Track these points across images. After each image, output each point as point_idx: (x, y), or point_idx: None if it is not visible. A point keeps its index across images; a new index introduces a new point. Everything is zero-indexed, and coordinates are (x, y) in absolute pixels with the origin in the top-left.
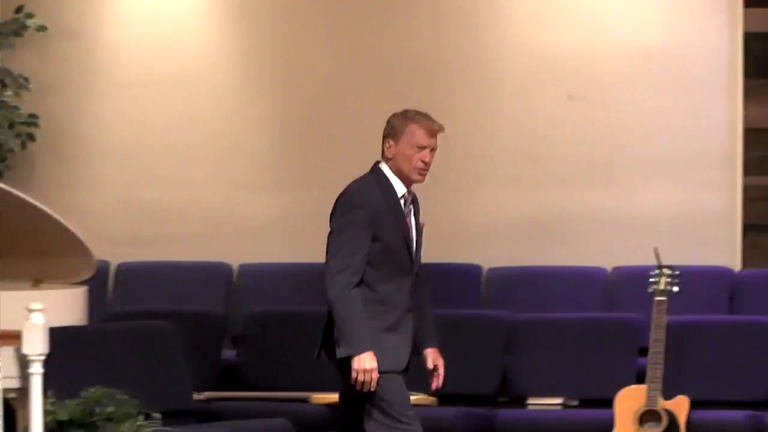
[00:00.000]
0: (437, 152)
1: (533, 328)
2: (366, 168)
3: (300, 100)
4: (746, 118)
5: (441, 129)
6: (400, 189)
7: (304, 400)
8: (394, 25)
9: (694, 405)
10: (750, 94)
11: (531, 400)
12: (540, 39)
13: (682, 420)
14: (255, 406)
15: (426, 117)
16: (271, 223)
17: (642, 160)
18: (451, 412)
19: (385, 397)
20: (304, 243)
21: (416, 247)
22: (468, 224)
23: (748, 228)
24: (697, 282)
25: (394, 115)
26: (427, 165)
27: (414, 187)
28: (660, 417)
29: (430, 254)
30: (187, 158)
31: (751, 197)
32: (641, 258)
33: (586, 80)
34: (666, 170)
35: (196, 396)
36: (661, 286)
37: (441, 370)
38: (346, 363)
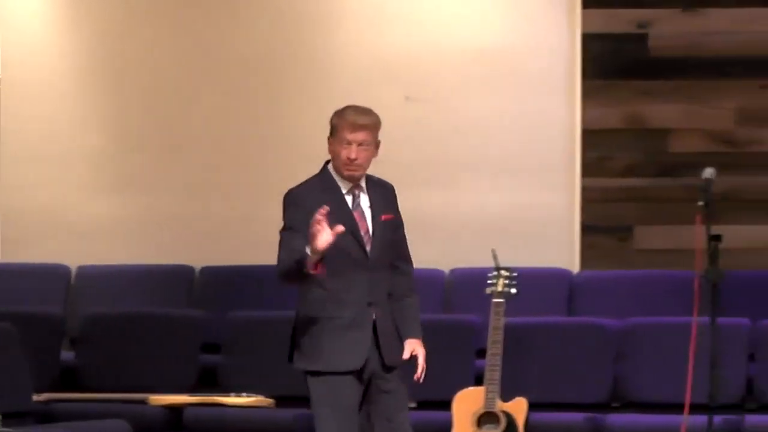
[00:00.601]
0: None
1: None
2: (203, 169)
3: (137, 101)
4: (584, 120)
5: (366, 122)
6: (344, 185)
7: (143, 402)
8: (232, 25)
9: (533, 407)
10: (588, 95)
11: None
12: (377, 39)
13: (520, 422)
14: (93, 407)
15: (354, 111)
16: (109, 225)
17: (480, 161)
18: (288, 414)
19: (321, 399)
20: (143, 244)
21: (377, 241)
22: None
23: (586, 229)
24: (535, 283)
25: (334, 113)
26: (351, 161)
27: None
28: (498, 419)
29: (259, 256)
30: (22, 160)
31: (588, 198)
32: (479, 260)
33: (424, 81)
34: (504, 171)
35: (35, 397)
36: (499, 288)
37: (420, 360)
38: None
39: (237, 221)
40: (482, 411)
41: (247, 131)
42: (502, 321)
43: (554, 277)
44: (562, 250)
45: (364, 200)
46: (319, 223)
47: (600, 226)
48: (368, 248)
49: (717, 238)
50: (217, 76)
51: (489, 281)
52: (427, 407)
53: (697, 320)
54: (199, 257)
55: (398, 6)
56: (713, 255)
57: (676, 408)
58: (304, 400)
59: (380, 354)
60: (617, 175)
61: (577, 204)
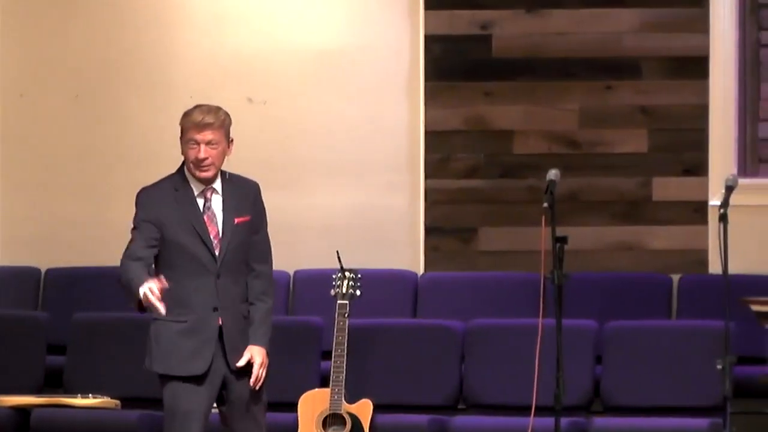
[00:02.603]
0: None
1: None
2: (49, 170)
3: None
4: (427, 121)
5: (210, 121)
6: (197, 187)
7: None
8: (72, 26)
9: (378, 408)
10: (430, 96)
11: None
12: (219, 41)
13: (365, 423)
14: None
15: (200, 111)
16: None
17: (323, 162)
18: (133, 415)
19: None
20: None
21: (227, 245)
22: None
23: (430, 231)
24: (379, 285)
25: (182, 115)
26: (199, 161)
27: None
28: (344, 420)
29: (104, 258)
30: None
31: (432, 200)
32: (323, 261)
33: (267, 83)
34: (347, 173)
35: None
36: (344, 290)
37: (255, 368)
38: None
39: (82, 222)
40: (328, 413)
41: (90, 132)
42: (347, 323)
43: (399, 279)
44: (406, 251)
45: (217, 202)
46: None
47: (444, 227)
48: (216, 252)
49: (562, 239)
50: (58, 76)
51: (333, 283)
52: (272, 409)
53: (542, 322)
54: (45, 259)
55: (240, 7)
56: (558, 256)
57: (522, 410)
58: (148, 401)
59: (226, 360)
60: (460, 177)
61: (420, 205)
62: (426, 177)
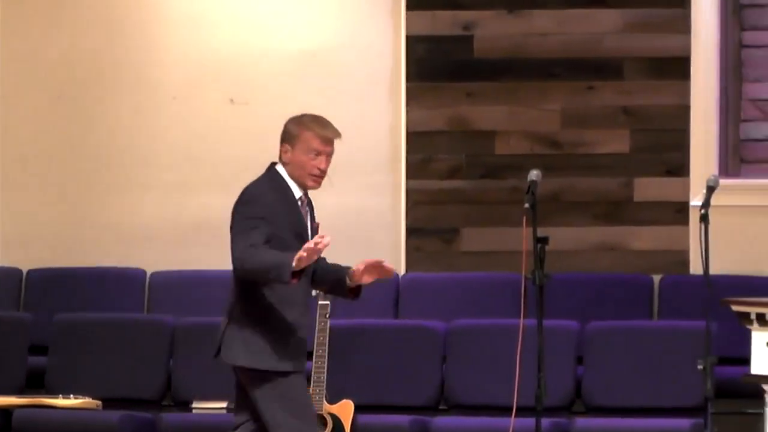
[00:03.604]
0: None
1: (198, 332)
2: (30, 170)
3: None
4: (408, 121)
5: (337, 136)
6: (296, 191)
7: None
8: (56, 26)
9: (359, 409)
10: (412, 97)
11: (195, 404)
12: (202, 42)
13: (346, 424)
14: None
15: (321, 125)
16: None
17: None
18: (114, 416)
19: (291, 395)
20: None
21: None
22: (131, 228)
23: (412, 231)
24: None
25: (291, 120)
26: (322, 171)
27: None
28: (325, 421)
29: (92, 258)
30: None
31: (414, 200)
32: None
33: (249, 83)
34: (330, 174)
35: None
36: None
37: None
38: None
39: (64, 223)
40: None
41: (72, 133)
42: (328, 323)
43: (380, 279)
44: (388, 252)
45: (307, 208)
46: (315, 245)
47: (425, 228)
48: None
49: (543, 240)
50: (40, 77)
51: None
52: None
53: (523, 322)
54: (26, 259)
55: (223, 9)
56: (539, 257)
57: (504, 410)
58: (129, 402)
59: None
60: (442, 177)
61: (402, 206)
62: (408, 177)
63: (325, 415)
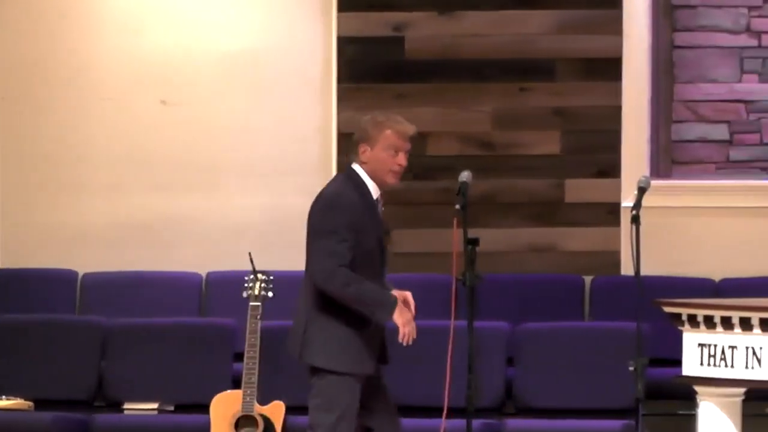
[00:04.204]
0: None
1: (130, 333)
2: None
3: None
4: (339, 123)
5: (413, 131)
6: (374, 192)
7: None
8: None
9: (290, 410)
10: (343, 98)
11: (127, 405)
12: (134, 43)
13: (278, 425)
14: None
15: (398, 122)
16: None
17: (236, 164)
18: (46, 417)
19: (338, 399)
20: None
21: (386, 247)
22: (64, 229)
23: None
24: (291, 287)
25: (366, 121)
26: (402, 168)
27: None
28: (256, 422)
29: (23, 259)
30: None
31: None
32: (236, 263)
33: (181, 84)
34: (260, 175)
35: None
36: (256, 292)
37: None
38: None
39: (2, 224)
40: (240, 414)
41: (9, 134)
42: (259, 324)
43: None
44: None
45: (381, 208)
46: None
47: None
48: (386, 256)
49: (474, 241)
50: None
51: (246, 285)
52: (184, 410)
53: (454, 324)
54: None
55: (155, 11)
56: (470, 258)
57: (434, 411)
58: (61, 403)
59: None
60: None
61: None
62: None
63: (256, 417)
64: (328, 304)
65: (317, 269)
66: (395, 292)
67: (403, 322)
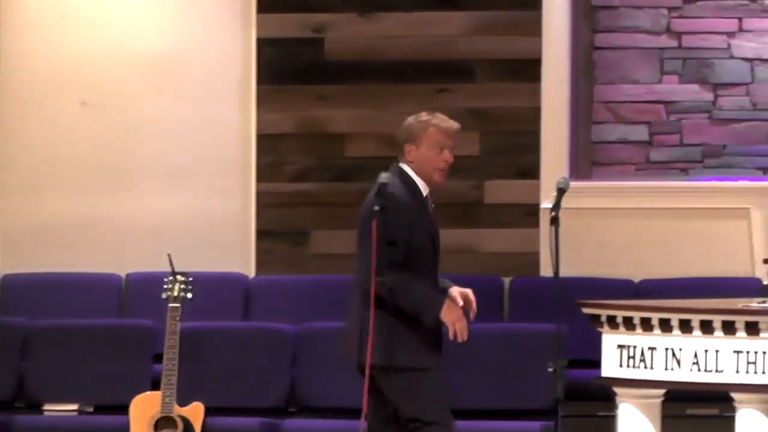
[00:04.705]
0: None
1: (50, 334)
2: None
3: None
4: (259, 124)
5: (458, 128)
6: (424, 190)
7: None
8: None
9: (209, 411)
10: (263, 99)
11: (47, 406)
12: (53, 44)
13: (197, 426)
14: None
15: (442, 119)
16: None
17: (156, 166)
18: None
19: (438, 392)
20: None
21: (438, 246)
22: None
23: (262, 234)
24: (211, 288)
25: (411, 121)
26: (448, 164)
27: None
28: (175, 423)
29: None
30: None
31: (264, 203)
32: (155, 264)
33: (101, 86)
34: (180, 176)
35: None
36: (175, 293)
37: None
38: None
39: None
40: (159, 415)
41: None
42: (178, 326)
43: (230, 282)
44: (238, 254)
45: (431, 205)
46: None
47: (276, 230)
48: (438, 253)
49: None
50: None
51: (165, 286)
52: (104, 411)
53: (374, 324)
54: None
55: (74, 12)
56: None
57: (354, 413)
58: None
59: None
60: (292, 180)
61: (252, 209)
62: (258, 180)
63: (175, 418)
64: (384, 305)
65: (368, 272)
66: (453, 290)
67: (452, 320)
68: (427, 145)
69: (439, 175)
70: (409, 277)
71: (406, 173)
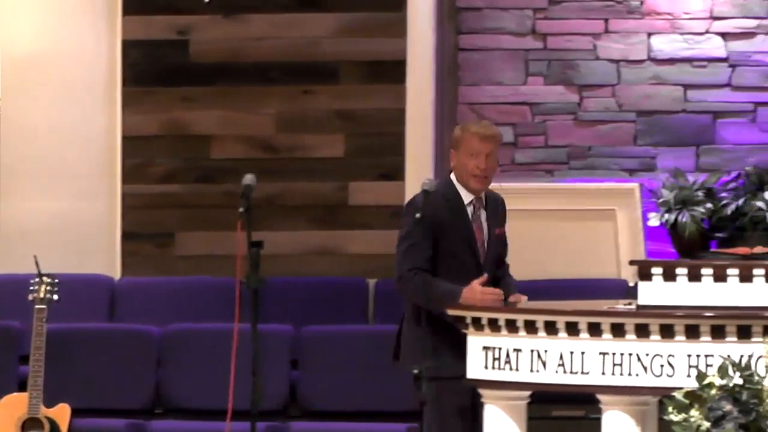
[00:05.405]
0: None
1: None
2: None
3: None
4: (124, 126)
5: (491, 132)
6: (466, 196)
7: None
8: None
9: (76, 413)
10: (128, 101)
11: None
12: None
13: (63, 427)
14: None
15: (481, 125)
16: None
17: (22, 167)
18: None
19: (454, 404)
20: None
21: (489, 254)
22: None
23: (127, 236)
24: (77, 290)
25: (456, 127)
26: (482, 170)
27: None
28: (42, 425)
29: None
30: None
31: (129, 205)
32: (21, 266)
33: None
34: (46, 178)
35: None
36: (41, 295)
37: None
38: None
39: None
40: (26, 417)
41: None
42: (45, 327)
43: (96, 284)
44: (103, 256)
45: (483, 213)
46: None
47: (141, 232)
48: (482, 260)
49: (258, 244)
50: None
51: (31, 288)
52: None
53: (238, 326)
54: None
55: None
56: (254, 261)
57: (220, 414)
58: None
59: None
60: (158, 182)
61: (117, 211)
62: (123, 182)
63: (42, 419)
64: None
65: (395, 274)
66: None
67: (476, 300)
68: (463, 152)
69: (475, 182)
70: (417, 266)
71: (450, 179)
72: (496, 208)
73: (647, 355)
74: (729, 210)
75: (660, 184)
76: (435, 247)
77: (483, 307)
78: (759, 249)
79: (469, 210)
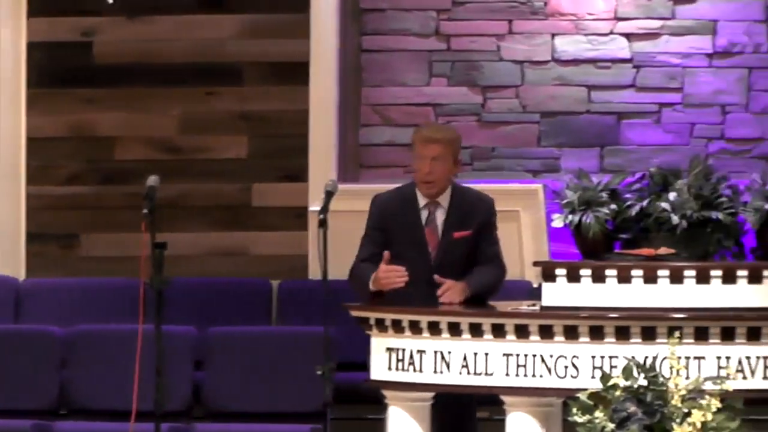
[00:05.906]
0: None
1: None
2: None
3: None
4: (28, 128)
5: (440, 136)
6: (422, 200)
7: None
8: None
9: None
10: (32, 103)
11: None
12: None
13: None
14: None
15: (429, 128)
16: None
17: None
18: None
19: None
20: None
21: (443, 258)
22: None
23: (32, 237)
24: None
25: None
26: (425, 175)
27: None
28: None
29: None
30: None
31: (33, 206)
32: None
33: None
34: None
35: None
36: None
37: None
38: None
39: None
40: None
41: None
42: None
43: (0, 285)
44: (8, 258)
45: (440, 216)
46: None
47: (46, 233)
48: (432, 263)
49: (161, 245)
50: None
51: None
52: None
53: (142, 328)
54: None
55: None
56: (158, 262)
57: (124, 415)
58: None
59: None
60: (62, 183)
61: (22, 212)
62: (28, 183)
63: None
64: None
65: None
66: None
67: (379, 282)
68: (414, 155)
69: (423, 188)
70: (359, 260)
71: (411, 182)
72: (470, 210)
73: (551, 356)
74: (633, 211)
75: (564, 185)
76: (388, 247)
77: (386, 309)
78: (663, 250)
79: (424, 213)
